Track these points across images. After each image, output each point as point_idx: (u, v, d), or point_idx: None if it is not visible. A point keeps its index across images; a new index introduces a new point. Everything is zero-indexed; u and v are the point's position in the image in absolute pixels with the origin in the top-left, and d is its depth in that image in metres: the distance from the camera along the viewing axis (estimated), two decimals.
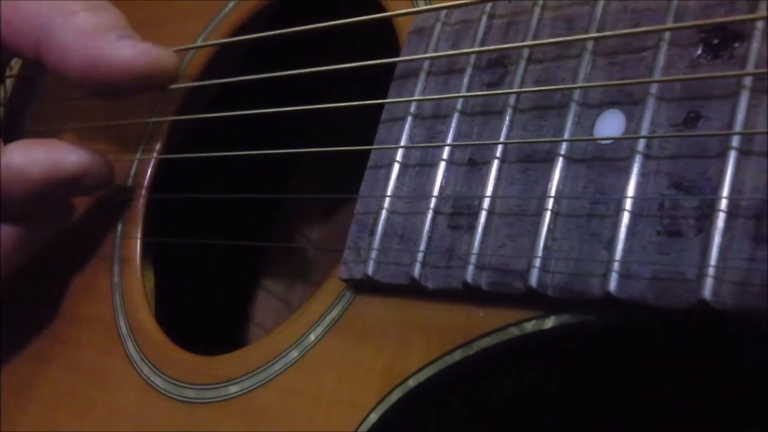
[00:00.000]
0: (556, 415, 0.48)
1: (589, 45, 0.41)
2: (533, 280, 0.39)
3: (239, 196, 0.57)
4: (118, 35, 0.57)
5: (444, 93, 0.46)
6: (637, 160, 0.38)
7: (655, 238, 0.36)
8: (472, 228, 0.42)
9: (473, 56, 0.46)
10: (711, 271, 0.34)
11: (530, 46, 0.43)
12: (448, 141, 0.45)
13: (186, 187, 0.61)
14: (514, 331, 0.41)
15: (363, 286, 0.47)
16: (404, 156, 0.47)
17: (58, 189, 0.59)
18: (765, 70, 0.35)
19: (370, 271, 0.45)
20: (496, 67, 0.45)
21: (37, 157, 0.57)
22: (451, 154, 0.45)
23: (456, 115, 0.45)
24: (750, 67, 0.36)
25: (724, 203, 0.34)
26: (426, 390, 0.44)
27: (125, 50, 0.57)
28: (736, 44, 0.37)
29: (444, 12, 0.48)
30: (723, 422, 0.44)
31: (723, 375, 0.42)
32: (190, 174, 0.63)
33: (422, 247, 0.44)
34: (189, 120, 0.64)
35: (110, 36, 0.57)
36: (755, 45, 0.36)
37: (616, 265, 0.37)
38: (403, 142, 0.47)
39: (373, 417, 0.45)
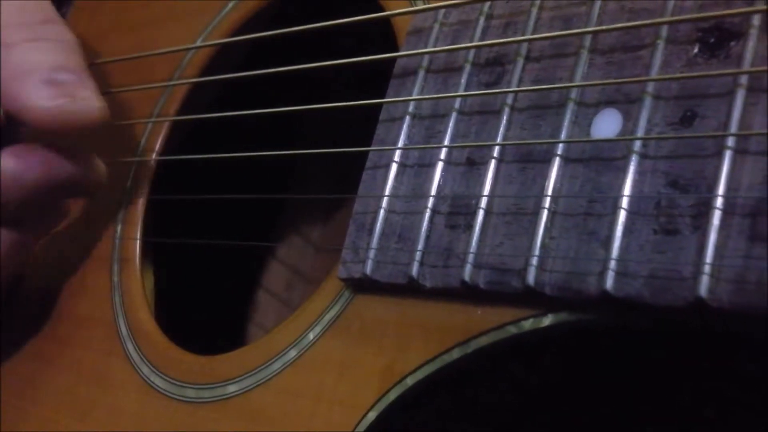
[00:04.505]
0: (554, 414, 0.48)
1: (587, 44, 0.41)
2: (531, 278, 0.39)
3: (238, 197, 0.57)
4: (44, 80, 0.54)
5: (442, 93, 0.46)
6: (633, 159, 0.38)
7: (651, 237, 0.36)
8: (469, 227, 0.42)
9: (471, 56, 0.46)
10: (707, 269, 0.34)
11: (528, 40, 0.43)
12: (446, 140, 0.45)
13: (186, 187, 0.61)
14: (512, 330, 0.41)
15: (361, 286, 0.47)
16: (402, 156, 0.47)
17: (54, 193, 0.58)
18: (761, 68, 0.35)
19: (368, 270, 0.46)
20: (494, 66, 0.45)
21: (32, 161, 0.56)
22: (449, 153, 0.45)
23: (454, 115, 0.45)
24: (746, 66, 0.36)
25: (720, 201, 0.35)
26: (424, 389, 0.44)
27: (41, 101, 0.54)
28: (732, 43, 0.37)
29: (442, 12, 0.48)
30: (722, 423, 0.44)
31: (721, 373, 0.42)
32: (190, 174, 0.63)
33: (420, 246, 0.44)
34: (189, 120, 0.64)
35: (34, 79, 0.54)
36: (751, 44, 0.36)
37: (613, 264, 0.37)
38: (401, 142, 0.47)
39: (372, 416, 0.45)
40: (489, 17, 0.46)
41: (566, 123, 0.41)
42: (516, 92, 0.43)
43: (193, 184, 0.61)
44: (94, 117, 0.56)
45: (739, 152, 0.35)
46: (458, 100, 0.45)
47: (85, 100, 0.55)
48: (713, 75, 0.37)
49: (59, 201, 0.62)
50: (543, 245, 0.39)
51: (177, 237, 0.61)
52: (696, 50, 0.38)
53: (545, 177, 0.40)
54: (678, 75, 0.38)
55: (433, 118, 0.46)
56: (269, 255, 0.79)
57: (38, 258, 0.66)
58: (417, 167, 0.46)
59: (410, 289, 0.44)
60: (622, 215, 0.37)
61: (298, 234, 0.79)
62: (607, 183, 0.38)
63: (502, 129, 0.43)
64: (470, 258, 0.42)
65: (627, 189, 0.37)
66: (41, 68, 0.55)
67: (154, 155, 0.65)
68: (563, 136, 0.40)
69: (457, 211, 0.43)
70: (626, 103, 0.39)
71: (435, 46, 0.47)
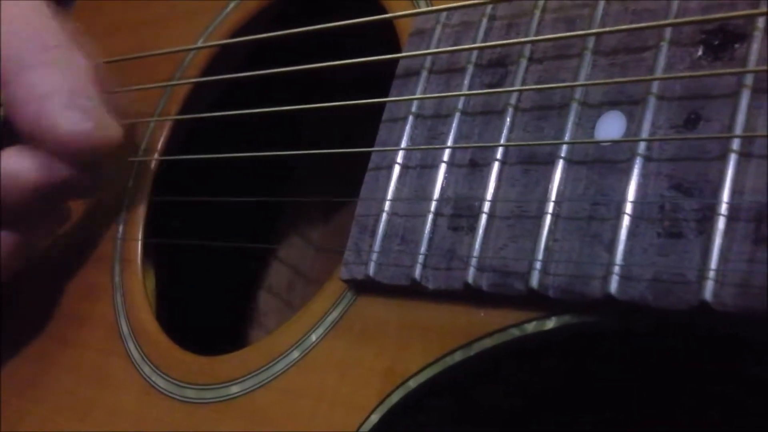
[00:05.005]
0: (557, 417, 0.48)
1: (590, 45, 0.41)
2: (534, 281, 0.39)
3: (239, 199, 0.57)
4: (66, 103, 0.55)
5: (445, 93, 0.46)
6: (637, 161, 0.38)
7: (655, 240, 0.36)
8: (473, 229, 0.42)
9: (474, 57, 0.46)
10: (711, 272, 0.34)
11: (531, 42, 0.43)
12: (449, 142, 0.45)
13: (187, 187, 0.61)
14: (515, 332, 0.41)
15: (364, 287, 0.47)
16: (405, 157, 0.47)
17: (55, 194, 0.58)
18: (765, 68, 0.35)
19: (371, 272, 0.45)
20: (497, 67, 0.45)
21: (33, 162, 0.56)
22: (452, 155, 0.45)
23: (457, 116, 0.45)
24: (750, 68, 0.36)
25: (724, 205, 0.35)
26: (427, 391, 0.44)
27: (68, 125, 0.54)
28: (737, 45, 0.37)
29: (444, 14, 0.48)
30: (727, 426, 0.44)
31: (725, 376, 0.42)
32: (192, 174, 0.63)
33: (423, 248, 0.44)
34: (191, 121, 0.64)
35: (57, 103, 0.54)
36: (755, 46, 0.36)
37: (616, 267, 0.37)
38: (403, 143, 0.47)
39: (374, 418, 0.45)
40: (492, 18, 0.46)
41: (570, 125, 0.41)
42: (520, 91, 0.43)
43: (195, 184, 0.61)
44: (115, 141, 0.57)
45: (744, 155, 0.35)
46: (461, 101, 0.45)
47: (106, 125, 0.56)
48: (718, 74, 0.36)
49: (61, 202, 0.62)
50: (546, 248, 0.39)
51: (178, 237, 0.61)
52: (700, 52, 0.38)
53: (549, 179, 0.40)
54: (682, 74, 0.38)
55: (435, 119, 0.46)
56: (270, 255, 0.79)
57: (39, 258, 0.66)
58: (420, 169, 0.46)
59: (413, 291, 0.44)
60: (626, 218, 0.37)
61: (299, 234, 0.79)
62: (611, 186, 0.38)
63: (505, 130, 0.43)
64: (473, 260, 0.41)
65: (631, 192, 0.37)
66: (61, 92, 0.55)
67: (155, 155, 0.65)
68: (567, 138, 0.40)
69: (460, 213, 0.43)
70: (630, 105, 0.39)
71: (438, 47, 0.47)
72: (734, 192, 0.35)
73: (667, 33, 0.39)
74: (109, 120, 0.57)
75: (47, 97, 0.55)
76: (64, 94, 0.55)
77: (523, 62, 0.44)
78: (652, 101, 0.38)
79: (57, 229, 0.64)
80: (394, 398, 0.44)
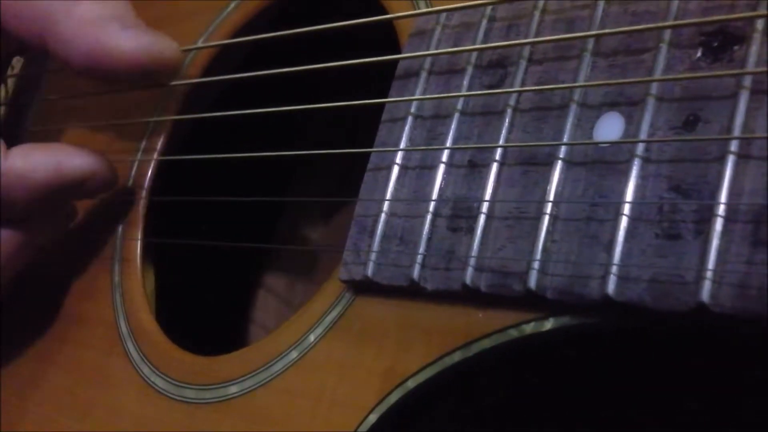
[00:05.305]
0: (556, 417, 0.48)
1: (589, 47, 0.41)
2: (532, 282, 0.39)
3: (239, 199, 0.57)
4: (121, 25, 0.56)
5: (444, 94, 0.46)
6: (636, 163, 0.38)
7: (653, 241, 0.36)
8: (471, 230, 0.42)
9: (474, 58, 0.46)
10: (709, 274, 0.34)
11: (531, 43, 0.43)
12: (449, 142, 0.45)
13: (187, 187, 0.61)
14: (514, 333, 0.41)
15: (363, 288, 0.47)
16: (404, 158, 0.47)
17: (60, 193, 0.58)
18: (764, 69, 0.35)
19: (369, 272, 0.46)
20: (497, 68, 0.45)
21: (39, 161, 0.57)
22: (451, 156, 0.45)
23: (456, 116, 0.45)
24: (749, 70, 0.36)
25: (722, 207, 0.35)
26: (425, 391, 0.44)
27: (128, 42, 0.56)
28: (736, 47, 0.37)
29: (444, 14, 0.48)
30: (726, 427, 0.44)
31: (724, 378, 0.42)
32: (192, 174, 0.63)
33: (422, 249, 0.44)
34: (190, 120, 0.64)
35: (113, 26, 0.56)
36: (755, 48, 0.36)
37: (614, 268, 0.37)
38: (403, 144, 0.47)
39: (373, 418, 0.45)
40: (492, 19, 0.46)
41: (569, 126, 0.41)
42: (519, 92, 0.43)
43: (195, 184, 0.61)
44: (177, 55, 0.58)
45: (742, 157, 0.35)
46: (461, 101, 0.45)
47: (161, 39, 0.57)
48: (717, 75, 0.36)
49: (66, 201, 0.62)
50: (545, 249, 0.39)
51: (178, 237, 0.61)
52: (699, 54, 0.38)
53: (547, 180, 0.40)
54: (681, 76, 0.38)
55: (435, 120, 0.46)
56: (270, 255, 0.79)
57: (40, 258, 0.66)
58: (419, 169, 0.46)
59: (411, 292, 0.44)
60: (624, 220, 0.37)
61: (298, 234, 0.79)
62: (610, 187, 0.38)
63: (504, 131, 0.43)
64: (472, 261, 0.41)
65: (629, 193, 0.37)
66: (115, 16, 0.56)
67: (155, 155, 0.65)
68: (566, 139, 0.40)
69: (458, 213, 0.43)
70: (629, 106, 0.39)
71: (437, 48, 0.47)
72: (732, 193, 0.35)
73: (667, 34, 0.39)
74: (163, 36, 0.58)
75: (102, 23, 0.56)
76: (118, 18, 0.56)
77: (523, 63, 0.44)
78: (651, 102, 0.38)
79: (63, 229, 0.64)
80: (393, 398, 0.44)
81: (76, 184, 0.58)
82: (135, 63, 0.56)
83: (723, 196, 0.35)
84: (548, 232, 0.40)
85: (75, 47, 0.56)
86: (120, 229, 0.65)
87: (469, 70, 0.46)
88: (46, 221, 0.62)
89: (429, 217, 0.44)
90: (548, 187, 0.40)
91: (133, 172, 0.66)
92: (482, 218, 0.42)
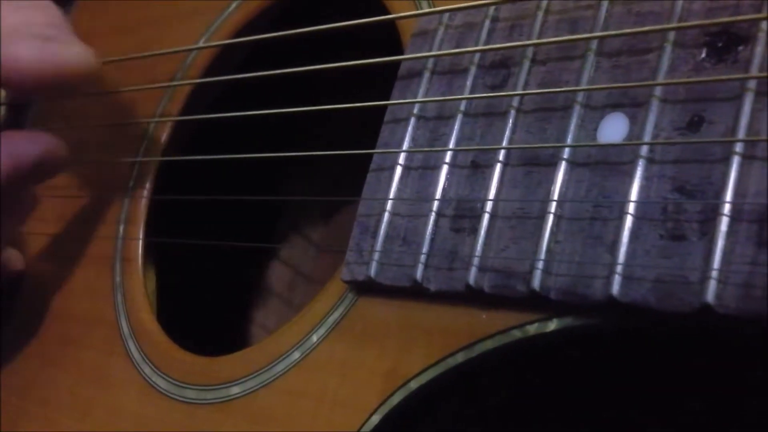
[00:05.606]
0: (559, 417, 0.48)
1: (593, 47, 0.41)
2: (536, 282, 0.39)
3: (240, 198, 0.57)
4: (26, 35, 0.53)
5: (447, 95, 0.46)
6: (640, 163, 0.38)
7: (658, 242, 0.36)
8: (474, 230, 0.42)
9: (477, 58, 0.46)
10: (714, 274, 0.34)
11: (534, 45, 0.43)
12: (451, 143, 0.45)
13: (188, 187, 0.61)
14: (517, 334, 0.41)
15: (365, 288, 0.47)
16: (407, 158, 0.46)
17: (21, 181, 0.57)
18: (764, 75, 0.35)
19: (372, 273, 0.45)
20: (500, 68, 0.45)
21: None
22: (453, 156, 0.45)
23: (459, 117, 0.45)
24: (754, 71, 0.36)
25: (727, 207, 0.34)
26: (428, 392, 0.44)
27: (27, 52, 0.53)
28: (740, 47, 0.37)
29: (447, 15, 0.48)
30: (729, 428, 0.44)
31: (728, 379, 0.42)
32: (193, 174, 0.63)
33: (425, 249, 0.44)
34: (191, 121, 0.64)
35: (17, 35, 0.53)
36: (759, 48, 0.36)
37: (619, 269, 0.37)
38: (405, 145, 0.47)
39: (375, 419, 0.45)
40: (494, 20, 0.46)
41: (572, 127, 0.41)
42: (522, 95, 0.43)
43: (196, 184, 0.61)
44: (83, 63, 0.55)
45: (747, 158, 0.35)
46: (463, 102, 0.45)
47: (72, 47, 0.54)
48: (721, 80, 0.36)
49: (29, 188, 0.61)
50: (548, 249, 0.39)
51: (179, 237, 0.61)
52: (704, 54, 0.38)
53: (551, 181, 0.40)
54: (685, 80, 0.38)
55: (438, 121, 0.46)
56: (271, 255, 0.79)
57: (40, 257, 0.66)
58: (421, 170, 0.46)
59: (414, 292, 0.44)
60: (629, 220, 0.37)
61: (299, 234, 0.79)
62: (614, 187, 0.38)
63: (507, 132, 0.43)
64: (475, 261, 0.41)
65: (633, 194, 0.37)
66: (23, 24, 0.53)
67: (156, 155, 0.65)
68: (569, 140, 0.40)
69: (462, 214, 0.43)
70: (633, 106, 0.39)
71: (440, 48, 0.47)
72: (737, 194, 0.35)
73: (671, 35, 0.39)
74: (79, 46, 0.55)
75: (11, 34, 0.53)
76: (25, 26, 0.54)
77: (526, 63, 0.44)
78: (655, 103, 0.38)
79: (27, 216, 0.63)
80: (395, 399, 0.44)
81: (35, 168, 0.57)
82: (35, 75, 0.53)
83: (727, 197, 0.35)
84: (552, 232, 0.40)
85: None
86: (121, 229, 0.65)
87: (472, 70, 0.46)
88: (10, 212, 0.61)
89: (432, 217, 0.44)
90: (552, 188, 0.40)
91: (135, 172, 0.66)
92: (485, 218, 0.42)
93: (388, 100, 0.48)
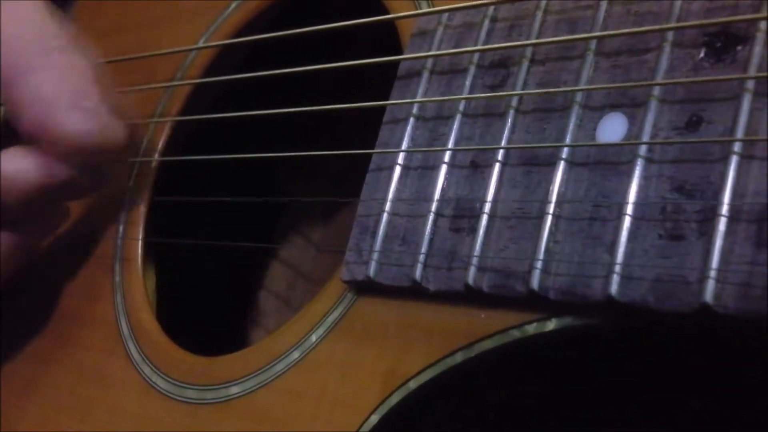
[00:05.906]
0: (557, 417, 0.48)
1: (592, 47, 0.41)
2: (535, 282, 0.39)
3: (240, 199, 0.57)
4: (72, 104, 0.55)
5: (446, 95, 0.46)
6: (639, 163, 0.38)
7: (657, 242, 0.36)
8: (473, 230, 0.42)
9: (476, 58, 0.46)
10: (713, 274, 0.34)
11: (533, 45, 0.43)
12: (450, 143, 0.45)
13: (188, 187, 0.61)
14: (516, 334, 0.41)
15: (365, 288, 0.47)
16: (406, 159, 0.47)
17: (52, 195, 0.58)
18: (766, 73, 0.35)
19: (371, 272, 0.45)
20: (499, 68, 0.45)
21: (30, 164, 0.56)
22: (452, 156, 0.45)
23: (458, 117, 0.45)
24: (752, 71, 0.36)
25: (726, 207, 0.35)
26: (427, 392, 0.44)
27: (75, 125, 0.55)
28: (739, 47, 0.37)
29: (446, 14, 0.48)
30: (724, 424, 0.44)
31: (727, 378, 0.42)
32: (193, 174, 0.63)
33: (424, 249, 0.44)
34: (192, 121, 0.64)
35: (63, 104, 0.54)
36: (758, 48, 0.36)
37: (617, 268, 0.37)
38: (405, 145, 0.47)
39: (374, 418, 0.45)
40: (494, 20, 0.46)
41: (571, 127, 0.41)
42: (521, 95, 0.43)
43: (196, 184, 0.61)
44: (119, 141, 0.57)
45: (745, 158, 0.35)
46: (463, 102, 0.45)
47: (110, 125, 0.56)
48: (719, 80, 0.36)
49: (59, 203, 0.62)
50: (547, 249, 0.39)
51: (179, 237, 0.61)
52: (702, 54, 0.38)
53: (550, 181, 0.40)
54: (684, 79, 0.38)
55: (437, 120, 0.46)
56: (270, 255, 0.79)
57: (40, 257, 0.66)
58: (420, 170, 0.46)
59: (413, 292, 0.44)
60: (627, 220, 0.37)
61: (299, 234, 0.79)
62: (613, 187, 0.38)
63: (506, 132, 0.43)
64: (474, 261, 0.41)
65: (632, 194, 0.37)
66: (64, 94, 0.55)
67: (156, 155, 0.65)
68: (568, 140, 0.40)
69: (461, 214, 0.43)
70: (632, 106, 0.39)
71: (439, 48, 0.47)
72: (736, 194, 0.35)
73: (670, 35, 0.39)
74: (113, 120, 0.57)
75: (51, 99, 0.55)
76: (67, 96, 0.55)
77: (525, 63, 0.44)
78: (653, 103, 0.38)
79: (56, 229, 0.64)
80: (395, 399, 0.44)
81: (68, 185, 0.58)
82: (76, 145, 0.55)
83: (726, 197, 0.35)
84: (551, 232, 0.40)
85: (22, 114, 0.55)
86: (121, 229, 0.65)
87: (472, 70, 0.46)
88: (40, 223, 0.61)
89: (431, 217, 0.44)
90: (551, 188, 0.40)
91: (134, 172, 0.66)
92: (484, 218, 0.42)
93: (387, 100, 0.48)
